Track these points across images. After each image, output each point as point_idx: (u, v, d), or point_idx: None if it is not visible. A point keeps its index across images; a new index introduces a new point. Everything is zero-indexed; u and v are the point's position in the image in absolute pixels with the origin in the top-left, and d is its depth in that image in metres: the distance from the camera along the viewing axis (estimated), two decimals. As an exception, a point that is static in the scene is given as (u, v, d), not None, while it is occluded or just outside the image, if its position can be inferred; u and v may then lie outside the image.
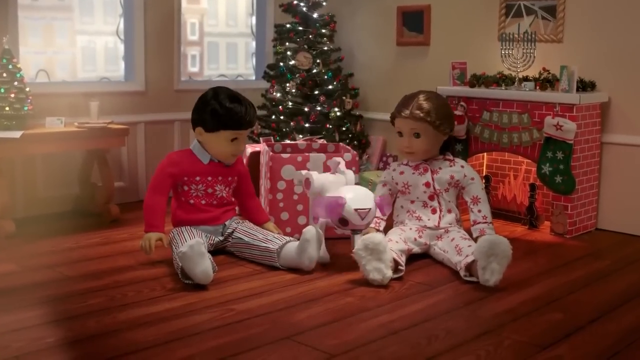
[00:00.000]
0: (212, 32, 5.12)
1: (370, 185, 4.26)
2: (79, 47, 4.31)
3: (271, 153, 3.43)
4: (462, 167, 3.27)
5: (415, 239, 3.13)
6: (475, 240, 3.04)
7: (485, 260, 2.72)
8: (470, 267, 2.85)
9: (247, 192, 3.31)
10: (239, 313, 2.45)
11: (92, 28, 4.35)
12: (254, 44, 5.01)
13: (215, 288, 2.70)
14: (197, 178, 3.10)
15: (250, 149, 3.92)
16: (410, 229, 3.17)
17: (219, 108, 3.05)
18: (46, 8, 4.10)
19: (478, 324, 2.42)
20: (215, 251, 3.12)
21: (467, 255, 2.88)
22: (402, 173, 3.29)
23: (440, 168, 3.24)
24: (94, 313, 2.42)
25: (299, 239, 2.92)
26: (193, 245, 2.63)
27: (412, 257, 3.09)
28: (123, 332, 2.26)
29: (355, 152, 3.53)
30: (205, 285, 2.70)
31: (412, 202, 3.25)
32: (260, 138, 4.00)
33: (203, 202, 3.12)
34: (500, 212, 3.94)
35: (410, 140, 3.21)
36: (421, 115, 3.16)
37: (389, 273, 2.77)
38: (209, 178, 3.12)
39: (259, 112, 4.56)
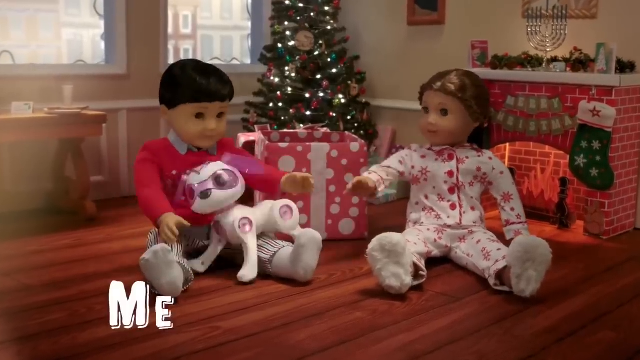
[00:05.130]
0: (205, 25, 4.84)
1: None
2: (65, 40, 4.08)
3: (267, 142, 3.11)
4: (490, 158, 2.92)
5: (435, 240, 2.73)
6: (508, 243, 2.63)
7: (521, 267, 2.32)
8: (501, 275, 2.45)
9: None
10: (225, 332, 2.08)
11: (78, 20, 4.15)
12: (249, 24, 4.64)
13: (197, 301, 2.32)
14: (174, 172, 2.63)
15: (244, 138, 3.58)
16: (429, 229, 2.77)
17: (178, 77, 2.61)
18: (30, -1, 3.86)
19: (515, 346, 2.03)
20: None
21: (497, 261, 2.48)
22: (423, 156, 2.94)
23: (467, 157, 2.89)
24: (51, 332, 2.05)
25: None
26: (157, 252, 2.22)
27: (428, 262, 2.69)
28: (82, 358, 1.88)
29: (363, 141, 3.16)
30: (175, 298, 2.25)
31: (427, 197, 2.88)
32: (256, 126, 3.64)
33: (182, 197, 2.66)
34: (526, 210, 3.51)
35: (436, 117, 2.88)
36: (453, 89, 2.86)
37: (408, 280, 2.37)
38: (188, 172, 2.64)
39: (255, 99, 4.21)
